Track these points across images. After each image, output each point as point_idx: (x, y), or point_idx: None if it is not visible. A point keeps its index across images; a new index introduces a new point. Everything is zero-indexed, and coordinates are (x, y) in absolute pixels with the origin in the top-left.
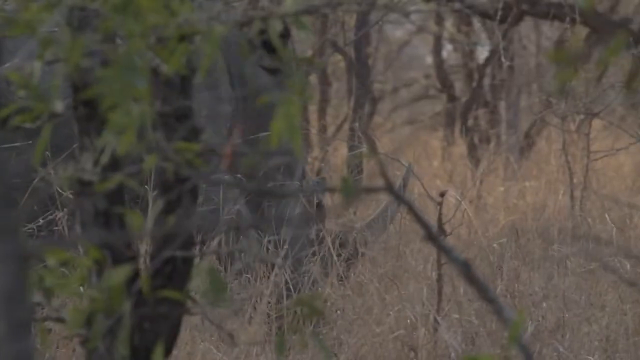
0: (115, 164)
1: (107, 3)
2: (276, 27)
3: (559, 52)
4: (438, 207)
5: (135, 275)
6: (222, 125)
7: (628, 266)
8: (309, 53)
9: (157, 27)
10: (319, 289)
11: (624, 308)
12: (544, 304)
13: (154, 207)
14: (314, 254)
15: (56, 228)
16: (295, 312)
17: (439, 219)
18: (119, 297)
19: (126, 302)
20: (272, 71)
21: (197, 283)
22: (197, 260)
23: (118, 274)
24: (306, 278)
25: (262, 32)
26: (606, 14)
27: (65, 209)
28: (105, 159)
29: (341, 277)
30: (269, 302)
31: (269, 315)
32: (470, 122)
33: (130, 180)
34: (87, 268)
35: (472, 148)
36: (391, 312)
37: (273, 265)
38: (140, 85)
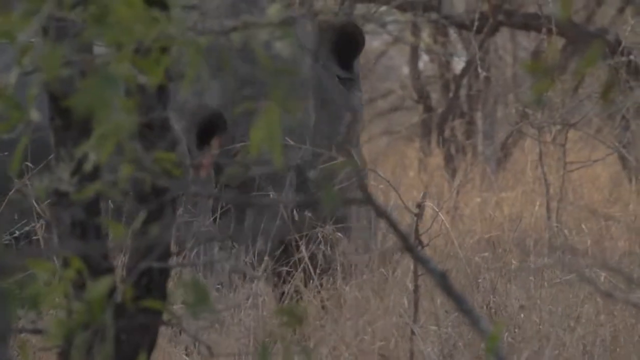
0: (92, 174)
1: (85, 13)
2: (260, 37)
3: (536, 63)
4: (415, 219)
5: (112, 287)
6: (305, 135)
7: (604, 277)
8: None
9: (136, 38)
10: (299, 300)
11: (601, 319)
12: (521, 315)
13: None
14: (293, 265)
15: (35, 237)
16: (277, 322)
17: (416, 230)
18: (99, 310)
19: (107, 315)
20: (344, 80)
21: (180, 294)
22: (174, 271)
23: (99, 287)
24: (286, 290)
25: (335, 42)
26: (582, 25)
27: (42, 220)
28: (88, 167)
29: (319, 290)
30: (248, 314)
31: (247, 327)
32: (446, 132)
33: (108, 190)
34: (69, 280)
35: (448, 159)
36: (369, 324)
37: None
38: (119, 95)
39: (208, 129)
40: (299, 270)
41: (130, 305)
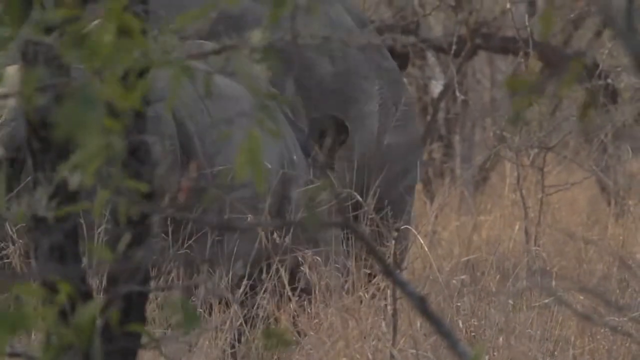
0: (70, 198)
1: (62, 37)
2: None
3: (516, 80)
4: (393, 242)
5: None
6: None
7: (583, 301)
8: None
9: (114, 62)
10: (273, 323)
11: (578, 343)
12: (500, 339)
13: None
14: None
15: (7, 261)
16: (251, 347)
17: (394, 254)
18: (88, 334)
19: (95, 339)
20: None
21: (169, 315)
22: (154, 294)
23: (88, 311)
24: (260, 313)
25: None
26: (560, 48)
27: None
28: (72, 187)
29: (296, 313)
30: (225, 338)
31: (224, 351)
32: (424, 156)
33: (85, 213)
34: (58, 304)
35: (426, 182)
36: (346, 347)
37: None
38: (98, 118)
39: (328, 133)
40: (272, 292)
41: (114, 329)
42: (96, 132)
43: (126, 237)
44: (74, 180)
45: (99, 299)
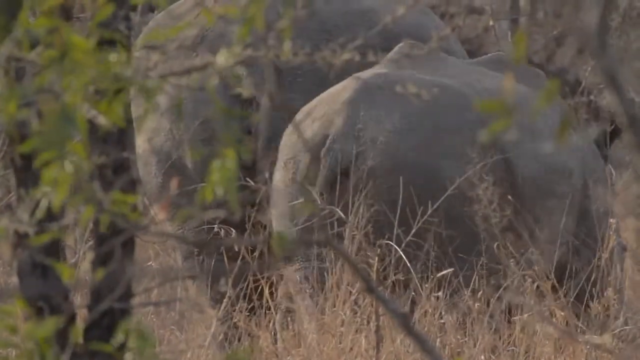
0: (51, 215)
1: (43, 55)
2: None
3: (491, 102)
4: (376, 259)
5: (69, 327)
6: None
7: (564, 317)
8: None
9: (93, 80)
10: (255, 341)
11: (559, 359)
12: (482, 356)
13: (90, 259)
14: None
15: None
16: None
17: (377, 271)
18: (48, 349)
19: (58, 354)
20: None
21: (127, 337)
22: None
23: (47, 325)
24: (242, 329)
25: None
26: (542, 65)
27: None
28: (40, 213)
29: (275, 331)
30: (207, 354)
31: None
32: None
33: (66, 232)
34: (17, 318)
35: None
36: None
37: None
38: (76, 137)
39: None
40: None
41: (83, 347)
42: (67, 153)
43: (91, 255)
44: (42, 206)
45: (82, 316)
